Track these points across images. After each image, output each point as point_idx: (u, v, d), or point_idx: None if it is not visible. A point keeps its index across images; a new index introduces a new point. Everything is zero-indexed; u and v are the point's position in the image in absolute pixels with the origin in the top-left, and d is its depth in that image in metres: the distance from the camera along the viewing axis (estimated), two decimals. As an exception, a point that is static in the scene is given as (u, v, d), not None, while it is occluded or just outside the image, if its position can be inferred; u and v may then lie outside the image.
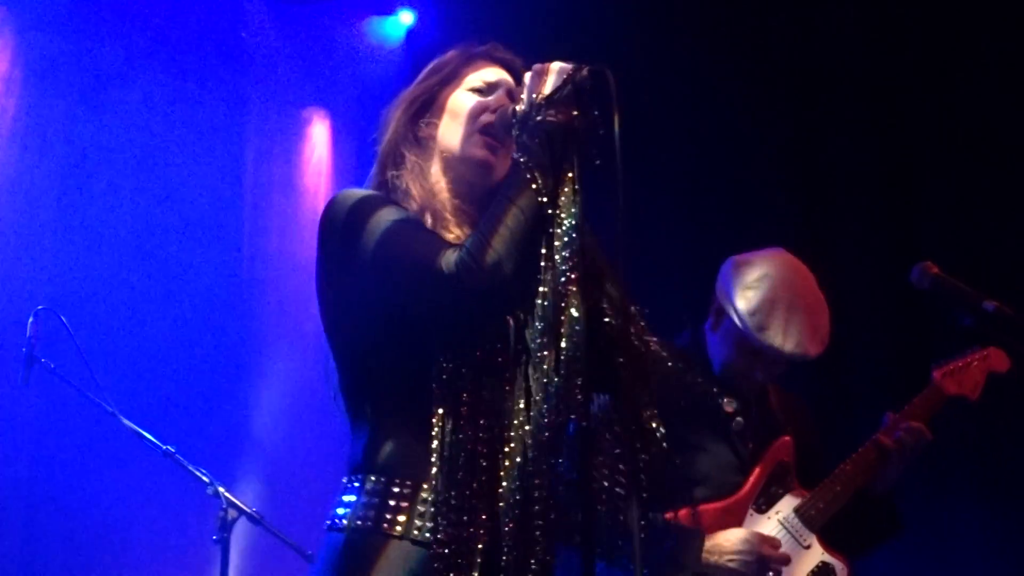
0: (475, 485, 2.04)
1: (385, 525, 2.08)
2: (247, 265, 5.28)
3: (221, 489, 3.95)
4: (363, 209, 2.19)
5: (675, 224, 5.05)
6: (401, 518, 2.08)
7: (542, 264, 2.09)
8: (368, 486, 2.12)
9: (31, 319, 4.06)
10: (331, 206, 2.25)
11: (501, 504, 2.04)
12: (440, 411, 2.08)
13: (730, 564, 3.13)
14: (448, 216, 2.25)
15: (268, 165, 5.48)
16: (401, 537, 2.07)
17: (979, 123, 4.67)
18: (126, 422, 4.02)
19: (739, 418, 3.33)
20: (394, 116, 2.40)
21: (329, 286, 2.25)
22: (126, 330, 4.82)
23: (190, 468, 4.00)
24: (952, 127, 4.75)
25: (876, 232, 4.91)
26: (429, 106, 2.39)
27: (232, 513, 3.93)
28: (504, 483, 2.04)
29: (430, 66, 2.44)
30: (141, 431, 4.02)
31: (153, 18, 5.16)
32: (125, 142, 5.02)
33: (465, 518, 2.03)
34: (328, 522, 2.17)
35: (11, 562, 4.53)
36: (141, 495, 4.66)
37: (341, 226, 2.20)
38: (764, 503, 3.31)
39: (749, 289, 3.24)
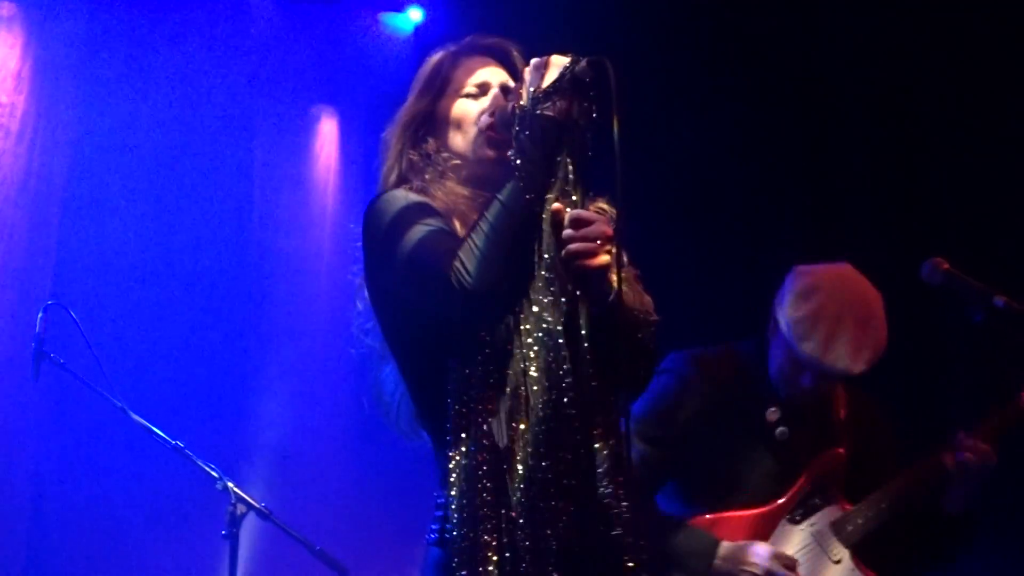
0: (487, 496, 2.07)
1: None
2: (256, 261, 5.29)
3: (230, 484, 3.95)
4: (402, 219, 2.21)
5: (682, 223, 5.04)
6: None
7: (535, 261, 2.12)
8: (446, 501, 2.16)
9: (40, 314, 4.06)
10: (374, 212, 2.27)
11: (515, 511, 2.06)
12: (459, 420, 2.11)
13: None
14: (474, 215, 2.25)
15: (277, 162, 5.47)
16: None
17: (987, 119, 4.66)
18: (135, 417, 4.02)
19: (783, 427, 3.29)
20: (394, 140, 2.43)
21: (378, 294, 2.29)
22: (135, 325, 4.82)
23: (199, 463, 4.01)
24: (960, 123, 4.74)
25: (884, 228, 4.90)
26: (429, 123, 2.41)
27: (241, 508, 3.93)
28: (514, 489, 2.07)
29: (421, 80, 2.45)
30: (150, 426, 4.02)
31: (162, 15, 5.16)
32: (134, 139, 5.02)
33: (480, 525, 2.06)
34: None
35: (19, 556, 4.54)
36: (150, 490, 4.67)
37: (382, 235, 2.22)
38: (801, 514, 3.28)
39: (799, 298, 3.20)
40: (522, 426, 2.07)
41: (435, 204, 2.27)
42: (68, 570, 4.58)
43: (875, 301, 3.26)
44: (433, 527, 2.18)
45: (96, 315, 4.47)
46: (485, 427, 2.09)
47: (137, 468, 4.60)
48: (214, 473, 3.99)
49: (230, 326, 5.11)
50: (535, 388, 2.08)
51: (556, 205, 2.12)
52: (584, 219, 2.13)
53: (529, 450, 2.06)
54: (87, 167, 4.91)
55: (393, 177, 2.40)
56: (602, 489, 2.09)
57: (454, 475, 2.09)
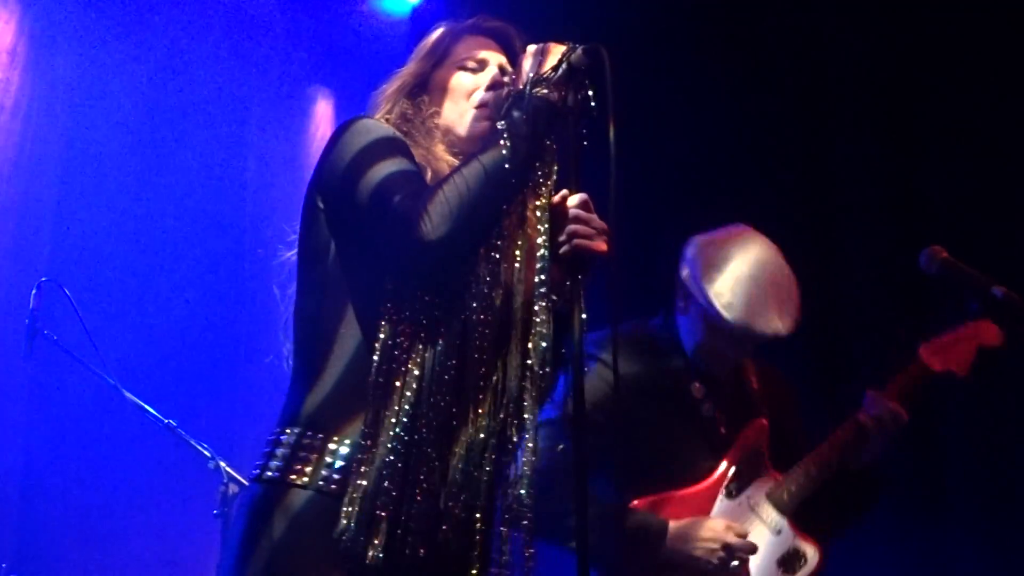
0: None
1: (292, 476, 2.10)
2: (249, 241, 5.27)
3: (222, 463, 3.97)
4: (379, 147, 2.20)
5: (675, 205, 5.04)
6: (308, 468, 2.10)
7: (506, 233, 2.14)
8: (305, 441, 2.13)
9: (34, 291, 4.06)
10: (353, 129, 2.24)
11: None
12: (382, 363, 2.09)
13: (695, 552, 3.11)
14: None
15: (271, 143, 5.46)
16: (305, 487, 2.09)
17: (986, 106, 4.66)
18: (128, 395, 4.03)
19: (709, 403, 3.30)
20: (384, 99, 2.44)
21: (315, 209, 2.26)
22: (129, 303, 4.81)
23: (192, 442, 4.02)
24: (958, 110, 4.74)
25: (881, 216, 4.91)
26: (423, 88, 2.43)
27: (233, 488, 3.94)
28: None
29: (420, 48, 2.48)
30: (143, 404, 4.03)
31: (159, -7, 5.15)
32: (129, 118, 4.99)
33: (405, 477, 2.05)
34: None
35: (10, 532, 4.52)
36: (142, 468, 4.66)
37: (353, 156, 2.19)
38: (735, 488, 3.28)
39: (714, 269, 3.20)
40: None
41: (413, 153, 2.28)
42: (59, 548, 4.57)
43: (782, 258, 3.29)
44: (270, 463, 2.14)
45: (90, 293, 4.46)
46: (408, 390, 2.08)
47: (129, 446, 4.58)
48: (207, 452, 4.00)
49: (224, 305, 5.09)
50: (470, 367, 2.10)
51: (562, 193, 2.16)
52: (591, 206, 2.18)
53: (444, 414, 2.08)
54: (82, 144, 4.89)
55: None
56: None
57: (373, 428, 2.06)
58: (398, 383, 2.06)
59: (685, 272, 3.28)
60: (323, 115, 5.67)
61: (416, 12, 5.66)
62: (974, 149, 4.67)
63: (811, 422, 3.48)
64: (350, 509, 2.01)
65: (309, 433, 2.12)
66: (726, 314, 3.15)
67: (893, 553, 4.45)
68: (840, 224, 4.95)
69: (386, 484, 2.02)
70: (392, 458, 2.03)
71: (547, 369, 2.13)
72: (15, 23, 4.86)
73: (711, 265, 3.21)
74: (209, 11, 5.24)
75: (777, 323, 3.17)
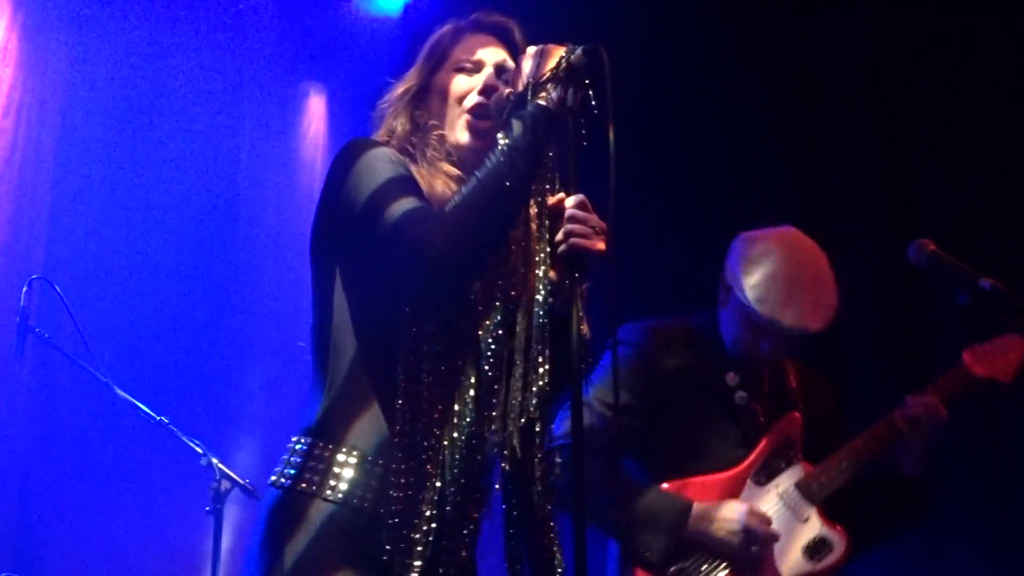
0: (425, 456, 2.10)
1: (328, 492, 2.12)
2: (243, 237, 5.27)
3: (215, 460, 3.96)
4: (388, 186, 2.19)
5: (672, 203, 5.04)
6: (317, 478, 2.13)
7: (512, 247, 2.18)
8: (316, 451, 2.16)
9: (25, 288, 4.06)
10: (360, 163, 2.24)
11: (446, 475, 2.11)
12: (404, 381, 2.12)
13: (716, 533, 3.16)
14: (448, 191, 2.26)
15: (265, 139, 5.45)
16: (314, 495, 2.12)
17: (979, 98, 4.65)
18: (120, 392, 4.02)
19: (742, 392, 3.34)
20: (388, 110, 2.43)
21: (326, 234, 2.27)
22: (121, 300, 4.80)
23: (184, 439, 4.01)
24: (951, 102, 4.73)
25: (873, 208, 4.90)
26: (425, 92, 2.42)
27: (225, 484, 3.94)
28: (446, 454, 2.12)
29: (422, 54, 2.47)
30: (135, 401, 4.03)
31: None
32: (121, 115, 4.99)
33: (413, 486, 2.09)
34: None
35: (4, 529, 4.52)
36: (134, 465, 4.66)
37: (367, 199, 2.19)
38: (764, 476, 3.32)
39: (752, 263, 3.25)
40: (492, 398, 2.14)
41: (415, 174, 2.28)
42: (51, 544, 4.56)
43: (823, 260, 3.33)
44: (285, 471, 2.17)
45: (82, 290, 4.46)
46: (431, 399, 2.12)
47: (121, 443, 4.58)
48: (199, 449, 3.99)
49: (216, 302, 5.09)
50: (485, 374, 2.14)
51: (559, 196, 2.18)
52: (589, 206, 2.18)
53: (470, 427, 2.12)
54: (74, 141, 4.88)
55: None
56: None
57: (420, 454, 2.10)
58: (438, 406, 2.11)
59: (728, 266, 3.34)
60: (316, 111, 5.66)
61: (408, 9, 5.64)
62: (966, 146, 4.67)
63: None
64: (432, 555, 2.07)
65: (320, 443, 2.15)
66: (757, 307, 3.19)
67: (893, 553, 4.44)
68: (836, 220, 4.94)
69: (469, 513, 2.11)
70: (459, 485, 2.09)
71: (546, 368, 2.15)
72: (7, 19, 4.85)
73: (750, 259, 3.27)
74: (201, 7, 5.23)
75: (806, 320, 3.20)
